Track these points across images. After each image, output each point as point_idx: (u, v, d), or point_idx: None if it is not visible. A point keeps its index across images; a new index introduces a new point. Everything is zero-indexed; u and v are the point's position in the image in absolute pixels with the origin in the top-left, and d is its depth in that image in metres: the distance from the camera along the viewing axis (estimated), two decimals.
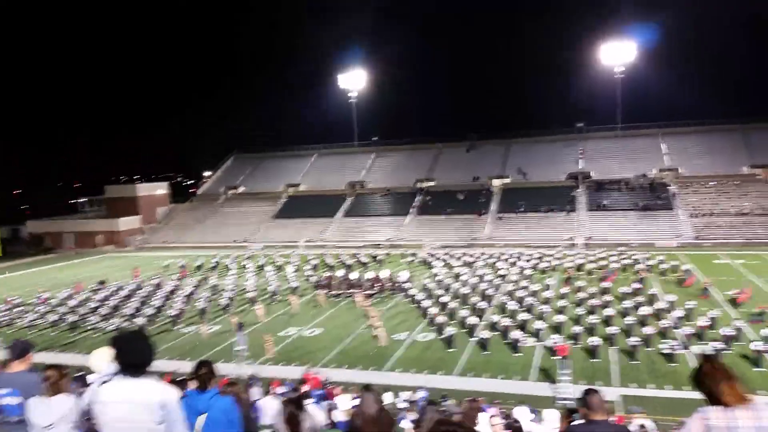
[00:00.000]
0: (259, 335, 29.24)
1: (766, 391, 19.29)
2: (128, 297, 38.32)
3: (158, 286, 40.78)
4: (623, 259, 42.44)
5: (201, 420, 4.90)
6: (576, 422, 5.46)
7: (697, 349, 24.29)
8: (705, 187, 59.90)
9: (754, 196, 56.77)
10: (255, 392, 15.97)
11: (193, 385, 5.33)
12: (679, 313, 28.05)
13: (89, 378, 8.73)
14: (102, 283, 42.64)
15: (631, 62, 73.22)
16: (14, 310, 35.77)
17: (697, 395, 3.67)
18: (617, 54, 72.32)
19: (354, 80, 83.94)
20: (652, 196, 59.50)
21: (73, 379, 10.27)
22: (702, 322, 26.04)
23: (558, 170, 67.05)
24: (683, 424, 3.63)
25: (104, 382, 3.79)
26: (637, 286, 33.74)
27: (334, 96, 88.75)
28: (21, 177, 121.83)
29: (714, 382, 3.50)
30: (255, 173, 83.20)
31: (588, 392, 4.50)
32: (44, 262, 61.35)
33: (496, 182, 68.07)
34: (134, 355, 3.78)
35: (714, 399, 3.50)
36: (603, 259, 42.71)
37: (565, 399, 19.37)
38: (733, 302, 30.66)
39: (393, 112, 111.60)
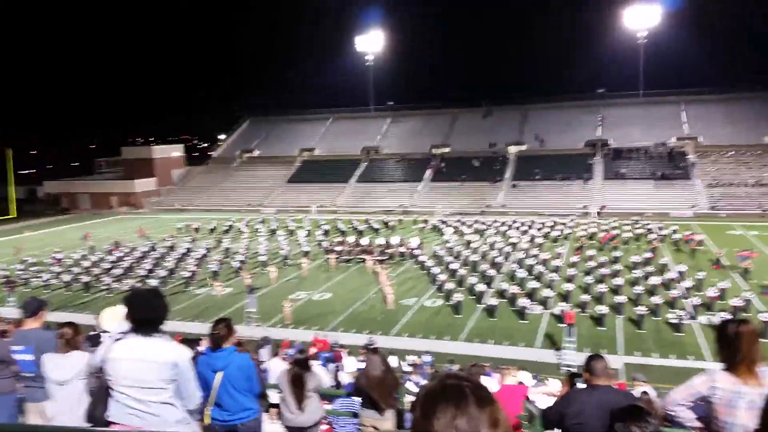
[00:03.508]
0: (271, 298, 29.65)
1: None
2: (141, 258, 38.83)
3: (171, 248, 41.26)
4: (636, 228, 42.20)
5: (219, 377, 5.03)
6: (579, 386, 5.52)
7: (704, 319, 24.31)
8: (724, 157, 58.97)
9: None
10: (264, 353, 16.30)
11: (208, 344, 5.46)
12: (688, 283, 28.00)
13: (102, 337, 8.95)
14: (116, 244, 43.19)
15: (654, 27, 71.39)
16: (30, 269, 36.38)
17: (701, 365, 3.71)
18: (641, 18, 70.47)
19: (371, 43, 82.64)
20: (671, 165, 58.70)
21: (86, 338, 10.54)
22: (711, 292, 25.98)
23: (576, 137, 66.14)
24: (688, 381, 3.67)
25: (117, 340, 3.86)
26: (648, 255, 33.64)
27: (351, 59, 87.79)
28: (38, 138, 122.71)
29: (749, 342, 3.51)
30: (270, 137, 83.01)
31: (592, 358, 4.53)
32: (60, 223, 62.13)
33: (513, 149, 67.37)
34: (147, 311, 3.82)
35: (740, 361, 3.52)
36: (615, 228, 42.50)
37: (569, 366, 19.56)
38: (745, 272, 30.50)
39: (409, 76, 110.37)
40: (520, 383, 10.12)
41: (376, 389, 6.52)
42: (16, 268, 36.46)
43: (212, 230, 49.34)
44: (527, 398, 7.78)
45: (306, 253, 37.48)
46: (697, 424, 3.74)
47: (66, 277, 33.79)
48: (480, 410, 1.28)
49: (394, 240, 39.59)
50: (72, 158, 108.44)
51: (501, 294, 28.37)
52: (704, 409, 3.67)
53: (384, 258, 36.84)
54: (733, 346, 3.55)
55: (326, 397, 8.16)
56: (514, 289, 28.03)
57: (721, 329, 3.68)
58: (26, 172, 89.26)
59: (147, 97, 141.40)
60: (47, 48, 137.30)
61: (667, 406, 3.83)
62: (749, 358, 3.50)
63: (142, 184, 72.93)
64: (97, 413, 3.94)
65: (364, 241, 40.26)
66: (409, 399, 7.09)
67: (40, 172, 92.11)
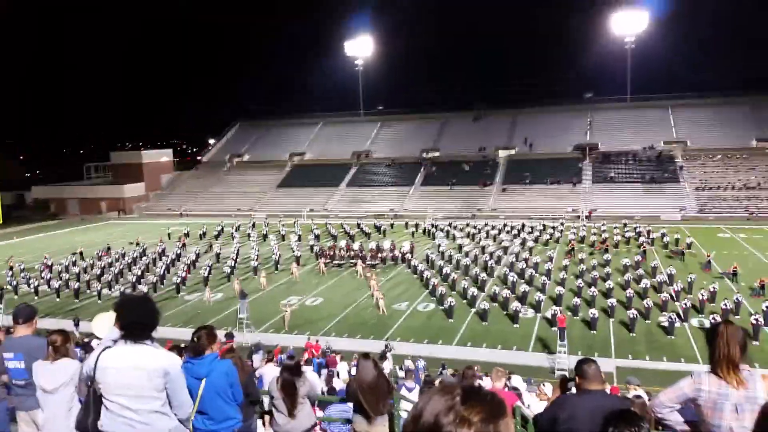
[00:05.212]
0: (262, 304, 29.55)
1: (762, 364, 19.43)
2: (131, 264, 38.58)
3: (162, 254, 41.02)
4: (626, 231, 42.43)
5: (202, 384, 4.97)
6: (570, 391, 5.51)
7: (695, 322, 24.45)
8: (712, 160, 59.49)
9: (761, 170, 56.36)
10: (256, 359, 16.22)
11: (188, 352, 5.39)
12: (678, 286, 28.17)
13: (93, 344, 8.90)
14: (107, 249, 42.89)
15: (642, 32, 72.04)
16: (19, 276, 36.07)
17: (693, 368, 3.73)
18: (628, 23, 71.13)
19: (360, 47, 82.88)
20: (659, 169, 59.17)
21: (77, 345, 10.46)
22: (701, 295, 26.15)
23: (565, 141, 66.54)
24: (675, 383, 3.69)
25: (107, 348, 3.82)
26: (638, 258, 33.82)
27: (340, 64, 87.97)
28: (26, 143, 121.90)
29: (728, 342, 3.53)
30: (259, 141, 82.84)
31: (584, 362, 4.51)
32: (49, 228, 61.63)
33: (502, 153, 67.66)
34: (138, 317, 3.78)
35: (719, 360, 3.54)
36: (606, 231, 42.73)
37: (561, 369, 19.59)
38: (734, 275, 30.67)
39: (399, 81, 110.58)
40: (513, 388, 10.13)
41: (367, 395, 6.49)
42: (6, 275, 36.15)
43: (202, 235, 49.11)
44: (520, 403, 7.79)
45: (297, 258, 37.38)
46: (685, 427, 3.76)
47: (55, 284, 33.51)
48: (467, 408, 1.29)
49: (386, 244, 39.56)
50: (61, 163, 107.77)
51: (493, 298, 28.42)
52: (694, 412, 3.68)
53: (375, 263, 36.81)
54: (712, 346, 3.58)
55: (320, 403, 8.13)
56: (505, 292, 28.07)
57: (708, 331, 3.73)
58: (28, 175, 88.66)
59: (136, 102, 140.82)
60: (36, 54, 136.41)
61: (654, 409, 3.84)
62: (729, 358, 3.51)
63: (131, 189, 72.54)
64: (87, 422, 3.90)
65: (355, 245, 40.19)
66: (403, 404, 7.08)
67: (28, 178, 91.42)
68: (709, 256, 33.85)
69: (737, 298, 25.82)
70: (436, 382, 11.72)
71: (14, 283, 34.48)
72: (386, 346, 21.92)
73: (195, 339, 5.16)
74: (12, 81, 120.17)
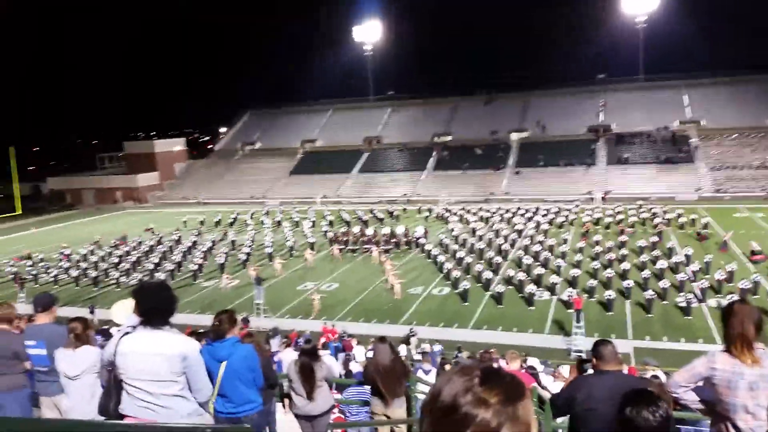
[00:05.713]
0: (278, 290, 29.76)
1: None
2: (149, 252, 38.98)
3: (178, 242, 41.38)
4: (641, 212, 42.07)
5: (222, 367, 5.06)
6: (587, 372, 5.51)
7: (713, 302, 24.27)
8: (727, 140, 58.66)
9: None
10: (275, 344, 16.39)
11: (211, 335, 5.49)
12: (696, 266, 27.93)
13: (112, 330, 9.03)
14: (123, 238, 43.34)
15: (653, 11, 70.98)
16: (38, 265, 36.61)
17: (710, 348, 3.72)
18: (640, 2, 70.05)
19: (369, 32, 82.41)
20: (674, 149, 58.46)
21: (97, 332, 10.61)
22: (719, 275, 25.93)
23: (578, 123, 65.79)
24: (689, 362, 3.69)
25: (126, 334, 3.88)
26: (654, 239, 33.53)
27: (349, 49, 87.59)
28: (40, 134, 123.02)
29: (742, 320, 3.52)
30: (271, 129, 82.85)
31: (600, 343, 4.51)
32: (65, 218, 62.31)
33: (515, 136, 67.13)
34: (155, 304, 3.83)
35: (733, 339, 3.53)
36: (621, 212, 42.37)
37: (578, 351, 19.58)
38: (752, 254, 30.31)
39: (409, 65, 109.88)
40: (530, 368, 10.16)
41: (384, 378, 6.54)
42: (25, 265, 36.72)
43: (217, 223, 49.46)
44: (538, 384, 7.82)
45: (311, 244, 37.52)
46: (701, 406, 3.76)
47: (74, 273, 33.99)
48: (486, 389, 1.28)
49: (399, 229, 39.56)
50: (75, 154, 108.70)
51: (508, 281, 28.36)
52: (711, 391, 3.68)
53: (389, 248, 36.85)
54: (727, 325, 3.58)
55: (338, 386, 8.20)
56: (521, 275, 28.01)
57: (723, 310, 3.73)
58: (30, 168, 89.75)
59: (147, 91, 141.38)
60: (48, 44, 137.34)
61: (669, 388, 3.85)
62: (743, 336, 3.50)
63: (145, 179, 73.05)
64: (109, 406, 3.96)
65: (369, 231, 40.24)
66: (419, 387, 7.13)
67: (43, 169, 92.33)
68: (726, 236, 33.48)
69: (756, 278, 25.56)
70: (448, 366, 11.78)
71: (34, 272, 35.02)
72: (410, 331, 22.09)
73: (216, 322, 5.25)
74: (24, 73, 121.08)
